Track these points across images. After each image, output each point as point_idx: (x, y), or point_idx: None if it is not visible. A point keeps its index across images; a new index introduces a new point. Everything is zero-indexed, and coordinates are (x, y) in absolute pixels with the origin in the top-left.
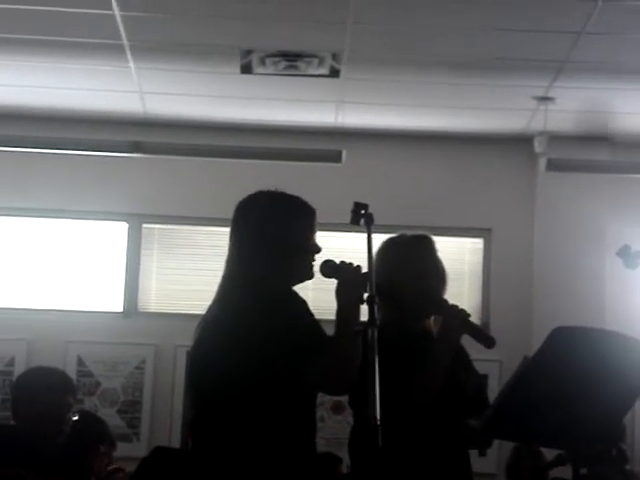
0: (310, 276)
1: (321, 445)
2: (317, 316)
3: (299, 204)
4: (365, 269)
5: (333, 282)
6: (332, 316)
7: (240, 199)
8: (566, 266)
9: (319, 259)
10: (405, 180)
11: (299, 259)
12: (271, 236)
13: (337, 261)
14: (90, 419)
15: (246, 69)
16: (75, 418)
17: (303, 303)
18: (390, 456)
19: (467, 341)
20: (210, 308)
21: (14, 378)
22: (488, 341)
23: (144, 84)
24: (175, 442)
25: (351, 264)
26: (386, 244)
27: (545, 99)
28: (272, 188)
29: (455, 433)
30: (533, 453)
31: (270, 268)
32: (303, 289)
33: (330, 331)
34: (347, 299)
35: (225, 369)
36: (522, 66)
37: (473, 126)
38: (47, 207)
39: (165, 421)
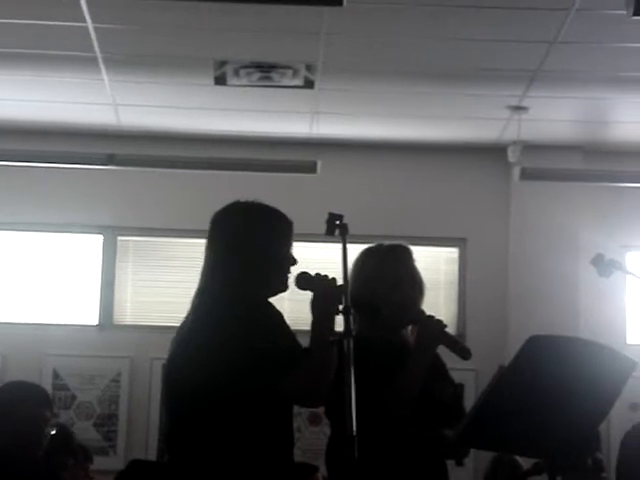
0: (285, 288)
1: (298, 456)
2: (293, 327)
3: (276, 215)
4: (340, 281)
5: (309, 293)
6: (308, 327)
7: (214, 210)
8: (541, 275)
9: (294, 271)
10: (380, 190)
11: (275, 271)
12: (247, 248)
13: (312, 273)
14: (59, 431)
15: (220, 80)
16: (53, 432)
17: (279, 315)
18: (367, 467)
19: (443, 350)
20: (185, 320)
21: None
22: (464, 352)
23: (118, 96)
24: (152, 455)
25: (326, 276)
26: (363, 254)
27: (518, 108)
28: (248, 199)
29: (431, 443)
30: (511, 462)
31: (245, 280)
32: (279, 300)
33: (306, 342)
34: (322, 312)
35: (201, 382)
36: (495, 75)
37: (447, 136)
38: (21, 220)
39: (141, 434)
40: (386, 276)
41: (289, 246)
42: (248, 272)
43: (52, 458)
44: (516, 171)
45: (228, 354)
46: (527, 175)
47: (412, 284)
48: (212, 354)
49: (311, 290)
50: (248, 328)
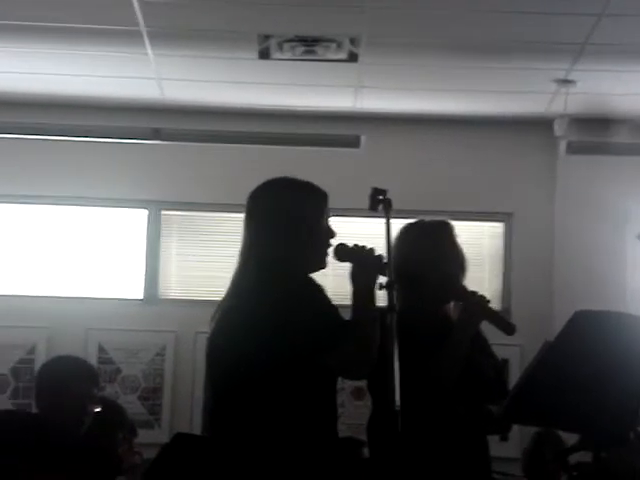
0: (324, 262)
1: (342, 431)
2: (337, 302)
3: (309, 188)
4: (379, 252)
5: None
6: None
7: (257, 185)
8: (587, 249)
9: (334, 244)
10: (424, 165)
11: (313, 244)
12: (282, 222)
13: (350, 244)
14: (109, 407)
15: (264, 54)
16: (98, 409)
17: (320, 288)
18: (409, 441)
19: (488, 326)
20: (225, 297)
21: (35, 366)
22: (508, 328)
23: (162, 70)
24: (196, 428)
25: (364, 247)
26: (405, 230)
27: (565, 82)
28: (287, 175)
29: (474, 418)
30: (554, 438)
31: (284, 255)
32: (322, 276)
33: (349, 316)
34: (362, 282)
35: (244, 356)
36: (542, 49)
37: (493, 110)
38: (66, 194)
39: (186, 408)
40: (429, 252)
41: (325, 218)
42: (286, 247)
43: (102, 431)
44: (562, 145)
45: (270, 329)
46: (573, 149)
47: (454, 259)
48: (254, 329)
49: (350, 261)
50: (289, 302)
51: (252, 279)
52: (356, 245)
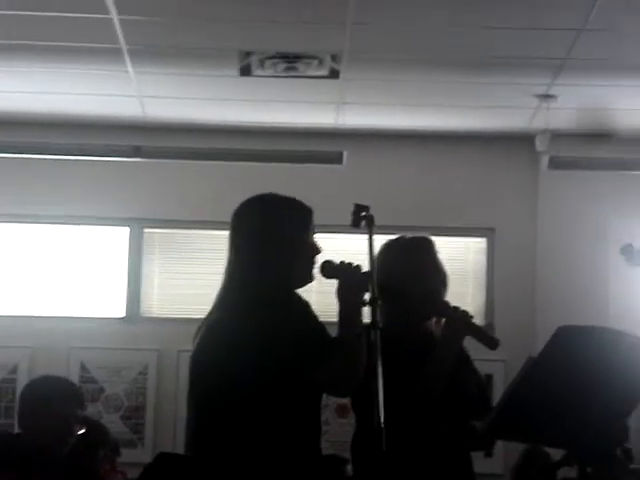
0: (311, 277)
1: (326, 448)
2: (322, 319)
3: (294, 204)
4: (365, 268)
5: (336, 285)
6: (336, 317)
7: (241, 202)
8: (569, 264)
9: (319, 260)
10: (407, 180)
11: (299, 259)
12: (268, 239)
13: (336, 261)
14: (92, 426)
15: (245, 71)
16: (82, 431)
17: (306, 305)
18: (393, 459)
19: (471, 341)
20: (211, 313)
21: (17, 386)
22: (491, 342)
23: (143, 88)
24: (179, 447)
25: (351, 264)
26: (386, 246)
27: (546, 97)
28: (272, 191)
29: (458, 434)
30: (541, 454)
31: (269, 271)
32: (307, 292)
33: (335, 333)
34: (349, 299)
35: (228, 373)
36: (523, 64)
37: (474, 125)
38: (47, 213)
39: (169, 426)
40: (410, 268)
41: (311, 234)
42: (271, 264)
43: (85, 451)
44: (544, 160)
45: (255, 346)
46: (555, 164)
47: (435, 276)
48: (239, 346)
49: (336, 278)
50: (275, 319)
51: (237, 295)
52: (342, 262)
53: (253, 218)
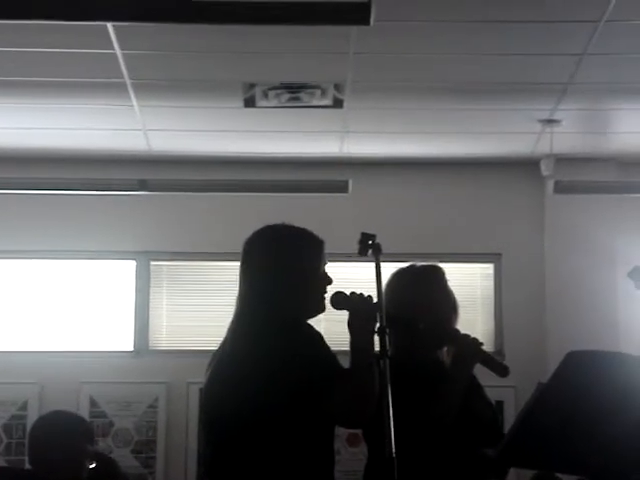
0: (322, 308)
1: (338, 478)
2: (332, 348)
3: (306, 235)
4: (375, 299)
5: (345, 313)
6: (346, 347)
7: (247, 232)
8: (578, 288)
9: (330, 290)
10: (412, 208)
11: (310, 291)
12: (280, 270)
13: (347, 292)
14: (103, 462)
15: (249, 103)
16: (92, 465)
17: (318, 335)
18: None
19: (481, 368)
20: (223, 344)
21: (27, 422)
22: (502, 370)
23: (148, 121)
24: None
25: (362, 295)
26: (396, 275)
27: (550, 122)
28: (279, 221)
29: (471, 463)
30: (552, 478)
31: (282, 303)
32: (316, 321)
33: (345, 362)
34: (360, 330)
35: (241, 405)
36: (526, 89)
37: (478, 151)
38: (54, 248)
39: (180, 459)
40: (419, 297)
41: (322, 265)
42: (283, 295)
43: None
44: (550, 184)
45: (268, 377)
46: (561, 188)
47: (446, 305)
48: (251, 378)
49: (347, 309)
50: (287, 351)
51: (249, 327)
52: (353, 293)
53: (265, 249)
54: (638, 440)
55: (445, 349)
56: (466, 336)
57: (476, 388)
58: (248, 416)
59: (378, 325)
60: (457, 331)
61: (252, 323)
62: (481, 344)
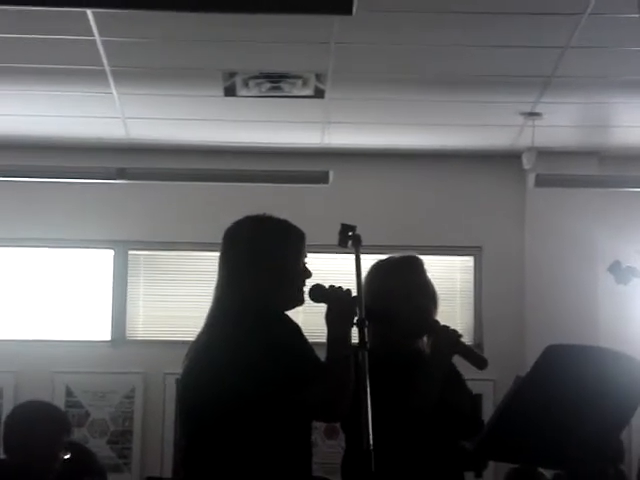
0: (301, 301)
1: (315, 470)
2: (309, 340)
3: (287, 227)
4: (354, 292)
5: (323, 305)
6: (324, 339)
7: (227, 223)
8: (558, 282)
9: (309, 283)
10: (393, 199)
11: (289, 284)
12: (260, 261)
13: (326, 285)
14: (78, 452)
15: (229, 92)
16: (67, 456)
17: (295, 327)
18: None
19: (461, 360)
20: (200, 335)
21: (2, 410)
22: (480, 362)
23: (127, 109)
24: (167, 471)
25: (340, 288)
26: (375, 267)
27: (532, 115)
28: (259, 212)
29: (450, 455)
30: (531, 473)
31: (260, 294)
32: (294, 313)
33: (322, 354)
34: (338, 324)
35: (217, 395)
36: (508, 82)
37: (460, 143)
38: (31, 236)
39: (156, 450)
40: (398, 288)
41: (302, 257)
42: (262, 287)
43: (71, 477)
44: (531, 178)
45: (245, 369)
46: (542, 182)
47: (425, 295)
48: (228, 369)
49: (325, 302)
50: (264, 342)
51: (226, 317)
52: (332, 286)
53: (245, 239)
54: (615, 434)
55: (425, 339)
56: (445, 327)
57: (456, 379)
58: (224, 406)
59: (357, 317)
60: (436, 322)
61: (229, 314)
62: (460, 336)
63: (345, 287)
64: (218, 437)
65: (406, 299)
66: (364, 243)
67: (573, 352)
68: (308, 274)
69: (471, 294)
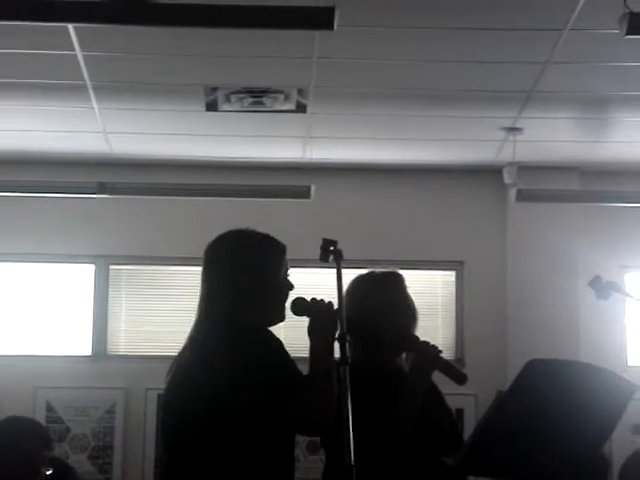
0: (282, 315)
1: None
2: (291, 354)
3: (268, 241)
4: (336, 305)
5: (305, 320)
6: (306, 353)
7: (209, 237)
8: (539, 297)
9: (291, 296)
10: (375, 214)
11: (271, 298)
12: (242, 275)
13: (308, 298)
14: (59, 467)
15: (211, 106)
16: (49, 472)
17: (277, 342)
18: None
19: (441, 375)
20: (183, 351)
21: None
22: (460, 378)
23: (108, 124)
24: None
25: (322, 301)
26: (355, 282)
27: (513, 130)
28: (241, 227)
29: (430, 471)
30: None
31: (242, 309)
32: (276, 327)
33: (305, 369)
34: (320, 337)
35: (199, 413)
36: (489, 97)
37: (441, 158)
38: (11, 251)
39: (137, 465)
40: (380, 303)
41: (284, 271)
42: (244, 301)
43: None
44: (512, 193)
45: (227, 384)
46: (523, 197)
47: (406, 311)
48: (210, 386)
49: (307, 315)
50: (247, 358)
51: (208, 333)
52: (314, 299)
53: (226, 254)
54: (597, 449)
55: (405, 355)
56: (425, 343)
57: (436, 395)
58: (206, 423)
59: (338, 332)
60: (416, 338)
61: (211, 329)
62: (440, 351)
63: (327, 300)
64: (200, 453)
65: (387, 315)
66: (346, 257)
67: (554, 367)
68: (290, 286)
69: (452, 309)
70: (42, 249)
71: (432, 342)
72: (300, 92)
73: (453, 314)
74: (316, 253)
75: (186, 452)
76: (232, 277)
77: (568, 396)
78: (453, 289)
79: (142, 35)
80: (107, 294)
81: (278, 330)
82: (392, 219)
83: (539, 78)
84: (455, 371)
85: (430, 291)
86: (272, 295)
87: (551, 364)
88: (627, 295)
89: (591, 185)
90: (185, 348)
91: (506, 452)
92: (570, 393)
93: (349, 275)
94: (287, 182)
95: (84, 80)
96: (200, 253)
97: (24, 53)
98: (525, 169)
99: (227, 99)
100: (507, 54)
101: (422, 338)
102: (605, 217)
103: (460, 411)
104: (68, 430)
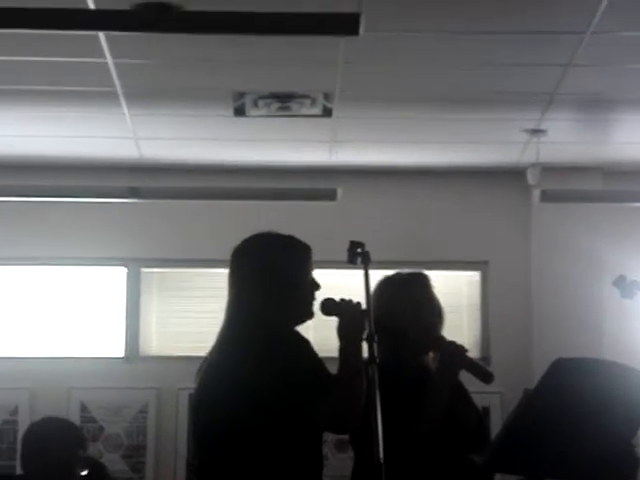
0: (310, 314)
1: None
2: (320, 354)
3: (293, 242)
4: (364, 306)
5: (334, 320)
6: (335, 353)
7: (236, 240)
8: (564, 296)
9: (318, 296)
10: (400, 216)
11: (298, 298)
12: (268, 277)
13: (337, 299)
14: (93, 467)
15: (239, 111)
16: (84, 473)
17: (306, 342)
18: None
19: (467, 374)
20: (212, 351)
21: (18, 427)
22: (486, 376)
23: (139, 130)
24: None
25: (351, 301)
26: (382, 283)
27: (536, 131)
28: (267, 229)
29: (457, 469)
30: None
31: (270, 309)
32: (304, 328)
33: (333, 369)
34: (349, 336)
35: (230, 412)
36: (512, 99)
37: (466, 160)
38: (45, 255)
39: (169, 465)
40: (405, 304)
41: (310, 271)
42: (271, 302)
43: None
44: (536, 193)
45: (257, 384)
46: (547, 197)
47: (431, 311)
48: (240, 384)
49: (336, 315)
50: (275, 357)
51: (237, 334)
52: (342, 299)
53: (253, 256)
54: (624, 446)
55: (431, 355)
56: (451, 342)
57: (462, 394)
58: (237, 423)
59: (366, 332)
60: (443, 337)
61: (239, 331)
62: (466, 350)
63: (355, 300)
64: (230, 453)
65: (413, 316)
66: (373, 259)
67: (581, 365)
68: (317, 286)
69: (478, 309)
70: (75, 253)
71: (458, 341)
72: (326, 97)
73: (478, 313)
74: (342, 255)
75: (217, 453)
76: (260, 278)
77: (595, 394)
78: (478, 289)
79: (171, 42)
80: (139, 296)
81: (307, 330)
82: (417, 221)
83: (561, 80)
84: (481, 370)
85: (455, 291)
86: (300, 294)
87: (578, 363)
88: None
89: (614, 185)
90: (214, 350)
91: (533, 450)
92: (597, 391)
93: (376, 276)
94: (313, 185)
95: (115, 87)
96: (228, 255)
97: (56, 61)
98: (549, 170)
99: (255, 104)
100: (530, 57)
101: (448, 337)
102: (628, 216)
103: (486, 409)
104: (102, 430)
